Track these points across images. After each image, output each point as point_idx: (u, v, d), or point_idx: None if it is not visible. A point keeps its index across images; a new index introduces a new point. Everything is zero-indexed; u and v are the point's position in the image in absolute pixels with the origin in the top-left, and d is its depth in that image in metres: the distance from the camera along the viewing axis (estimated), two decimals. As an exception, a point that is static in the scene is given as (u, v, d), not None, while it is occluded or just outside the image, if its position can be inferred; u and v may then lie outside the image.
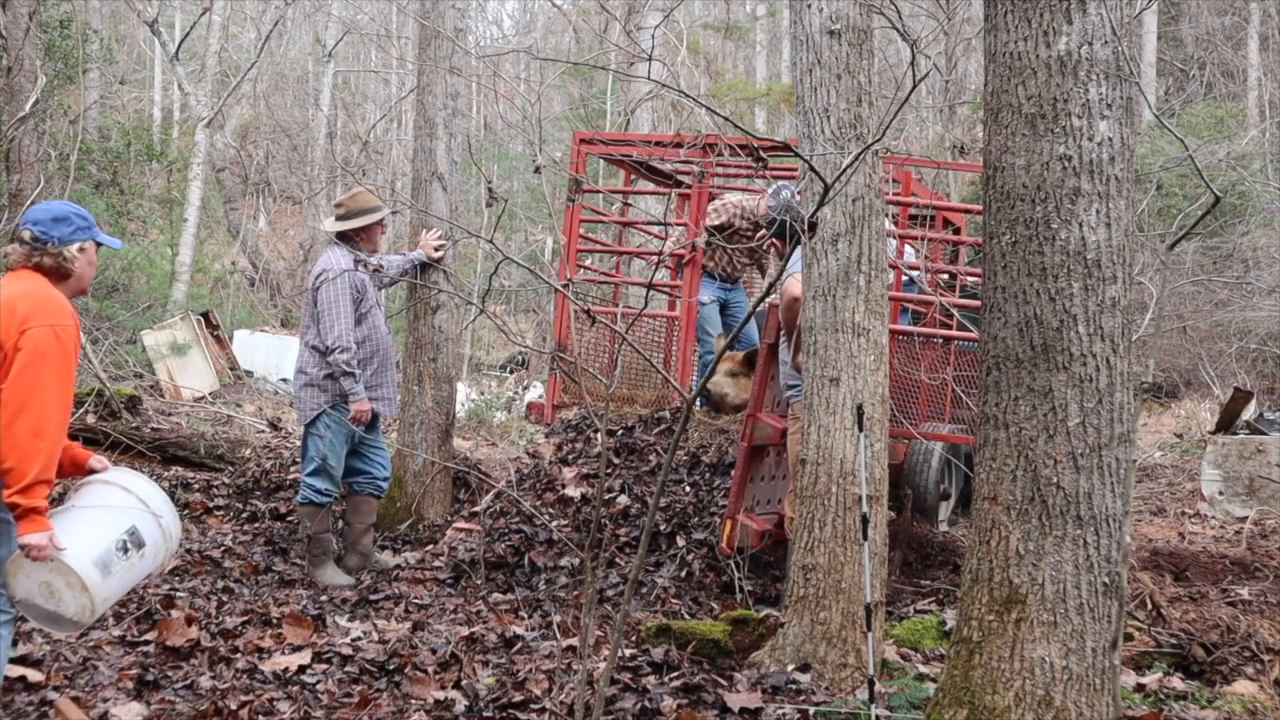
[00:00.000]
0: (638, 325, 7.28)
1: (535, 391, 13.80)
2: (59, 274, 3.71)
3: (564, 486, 6.28)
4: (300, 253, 22.08)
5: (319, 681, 4.25)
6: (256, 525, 6.97)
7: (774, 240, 5.78)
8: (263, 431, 9.73)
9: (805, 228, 5.29)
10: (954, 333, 6.23)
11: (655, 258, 7.65)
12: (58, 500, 4.00)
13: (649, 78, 4.63)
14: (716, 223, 6.96)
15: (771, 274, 5.46)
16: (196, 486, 7.57)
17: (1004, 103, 3.30)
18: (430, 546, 6.60)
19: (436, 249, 6.80)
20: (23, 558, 3.55)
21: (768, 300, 5.48)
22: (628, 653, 4.41)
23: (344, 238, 6.28)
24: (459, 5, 7.30)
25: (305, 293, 6.38)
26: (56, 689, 4.06)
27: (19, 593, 3.64)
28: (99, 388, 8.50)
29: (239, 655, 4.53)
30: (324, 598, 5.69)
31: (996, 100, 3.33)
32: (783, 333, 5.50)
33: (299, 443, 6.98)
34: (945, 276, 6.81)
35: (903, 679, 4.05)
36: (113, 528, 3.79)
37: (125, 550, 3.81)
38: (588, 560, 3.41)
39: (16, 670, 4.09)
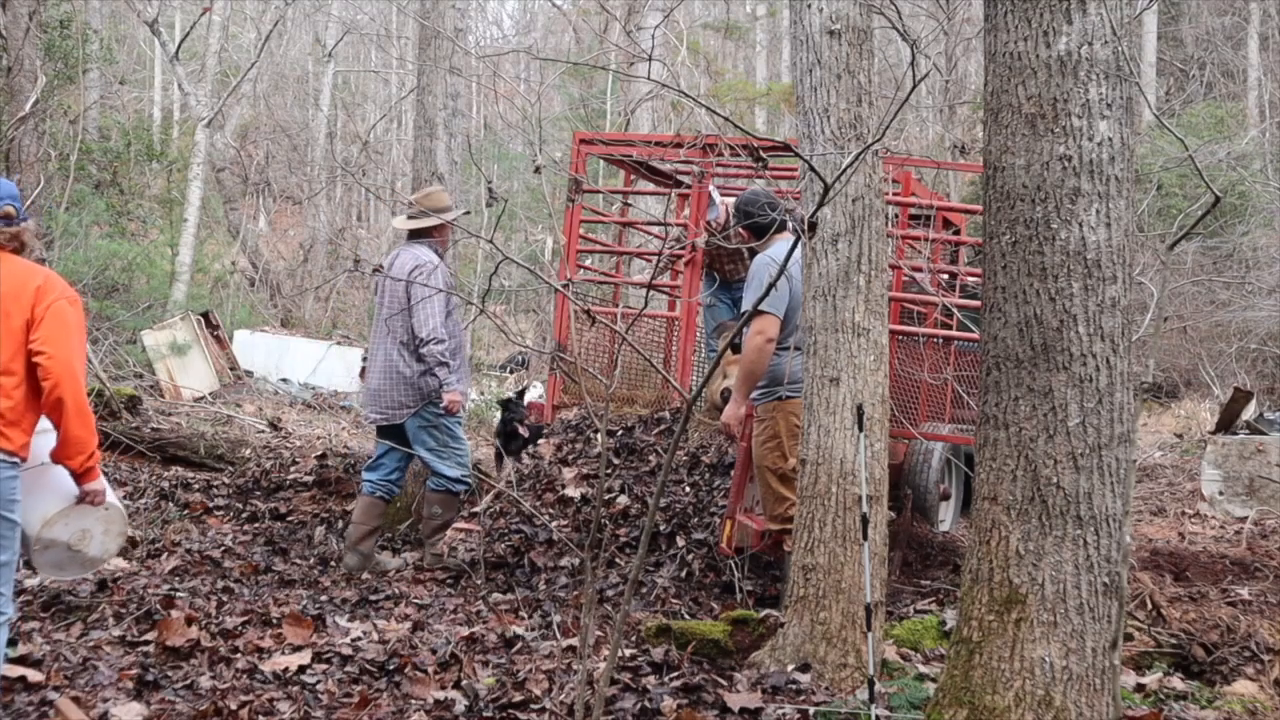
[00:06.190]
0: (638, 325, 7.28)
1: (535, 392, 13.79)
2: (24, 250, 3.73)
3: (564, 486, 6.28)
4: (300, 253, 22.07)
5: (319, 681, 4.24)
6: (256, 525, 6.96)
7: (740, 230, 5.68)
8: (263, 431, 9.73)
9: (794, 222, 5.26)
10: (954, 333, 6.23)
11: (656, 258, 7.64)
12: None
13: (649, 78, 4.63)
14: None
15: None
16: (196, 486, 7.57)
17: (1004, 103, 3.29)
18: (430, 546, 6.59)
19: (437, 249, 6.80)
20: (73, 507, 3.98)
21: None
22: (628, 653, 4.41)
23: (417, 236, 6.28)
24: (459, 5, 7.31)
25: (380, 292, 6.32)
26: (56, 689, 4.05)
27: (56, 536, 4.02)
28: (99, 388, 8.50)
29: (239, 655, 4.53)
30: (324, 597, 5.69)
31: (996, 100, 3.32)
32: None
33: (298, 443, 6.98)
34: (945, 276, 6.81)
35: (903, 679, 4.05)
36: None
37: None
38: (588, 560, 3.40)
39: (16, 670, 4.09)
